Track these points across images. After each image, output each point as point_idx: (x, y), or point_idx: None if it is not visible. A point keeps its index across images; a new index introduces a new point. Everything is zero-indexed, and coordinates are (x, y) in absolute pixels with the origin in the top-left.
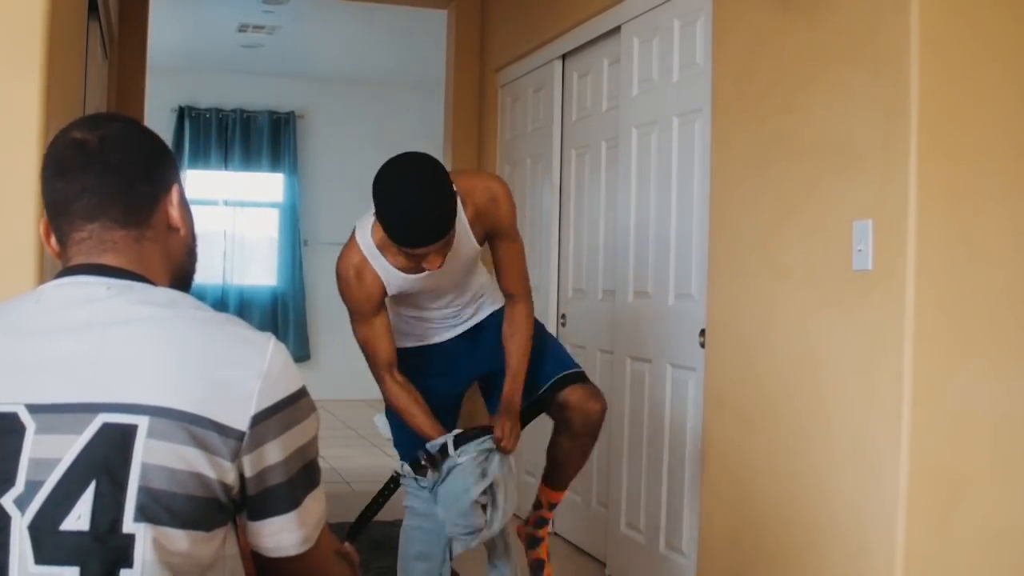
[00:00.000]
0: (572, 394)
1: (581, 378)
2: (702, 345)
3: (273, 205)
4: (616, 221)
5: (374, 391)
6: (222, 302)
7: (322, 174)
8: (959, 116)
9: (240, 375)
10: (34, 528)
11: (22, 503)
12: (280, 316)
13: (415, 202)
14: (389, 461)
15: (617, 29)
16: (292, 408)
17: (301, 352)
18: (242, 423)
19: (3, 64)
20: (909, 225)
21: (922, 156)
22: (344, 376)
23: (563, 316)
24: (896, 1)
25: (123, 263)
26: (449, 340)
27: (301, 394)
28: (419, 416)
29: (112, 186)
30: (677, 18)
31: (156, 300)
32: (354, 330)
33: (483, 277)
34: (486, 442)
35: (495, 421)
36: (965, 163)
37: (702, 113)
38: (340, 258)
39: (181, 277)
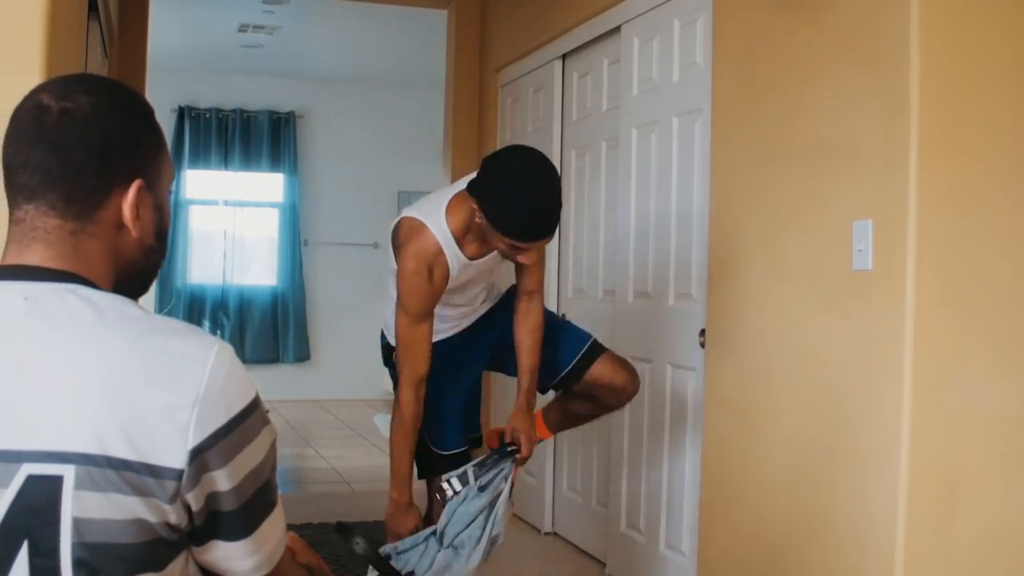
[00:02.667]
0: (601, 370)
1: (601, 349)
2: (702, 345)
3: (273, 205)
4: (616, 221)
5: (373, 391)
6: (222, 302)
7: (322, 174)
8: (959, 116)
9: (173, 401)
10: None
11: None
12: (280, 316)
13: (543, 198)
14: (388, 461)
15: (617, 29)
16: (239, 430)
17: (301, 352)
18: (178, 460)
19: (3, 64)
20: (909, 225)
21: (922, 156)
22: (344, 376)
23: (563, 316)
24: (896, 1)
25: (51, 259)
26: (465, 330)
27: (249, 410)
28: (407, 456)
29: (57, 169)
30: (677, 18)
31: (78, 311)
32: (398, 325)
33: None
34: (505, 468)
35: (511, 425)
36: (965, 163)
37: (702, 113)
38: (412, 250)
39: (132, 275)
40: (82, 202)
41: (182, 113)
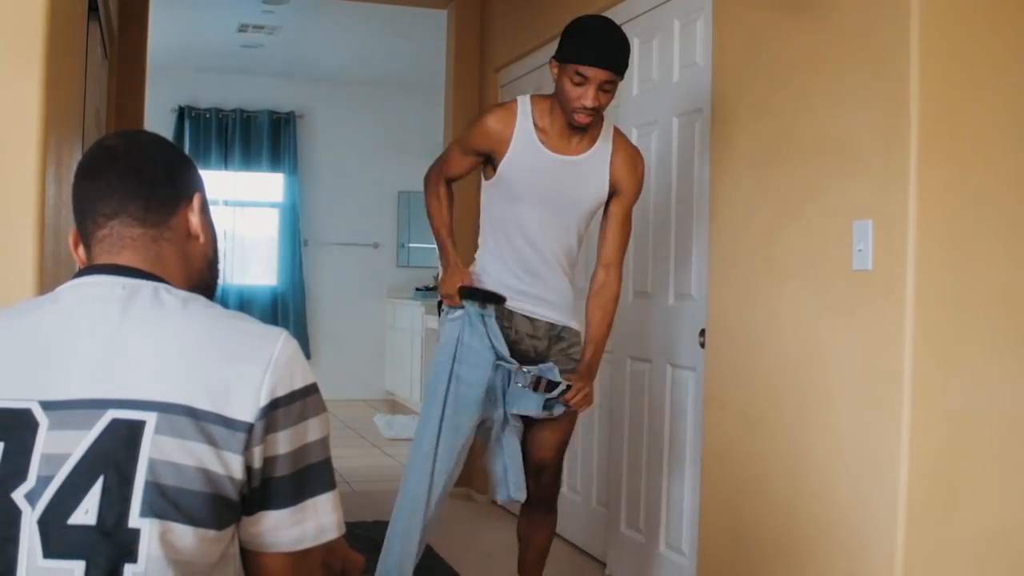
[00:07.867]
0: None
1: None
2: (702, 345)
3: (273, 205)
4: None
5: (374, 391)
6: (222, 302)
7: (322, 174)
8: (959, 116)
9: (249, 369)
10: (43, 522)
11: (32, 497)
12: (280, 316)
13: (612, 28)
14: (389, 461)
15: None
16: (302, 403)
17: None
18: (249, 415)
19: (3, 64)
20: (909, 225)
21: (922, 156)
22: (344, 376)
23: None
24: (896, 1)
25: (139, 262)
26: (511, 316)
27: (311, 390)
28: (440, 224)
29: (134, 185)
30: (677, 18)
31: (167, 299)
32: (449, 148)
33: (574, 261)
34: (560, 388)
35: (573, 380)
36: (965, 163)
37: (702, 113)
38: (496, 105)
39: (201, 288)
40: (157, 210)
41: (182, 113)
